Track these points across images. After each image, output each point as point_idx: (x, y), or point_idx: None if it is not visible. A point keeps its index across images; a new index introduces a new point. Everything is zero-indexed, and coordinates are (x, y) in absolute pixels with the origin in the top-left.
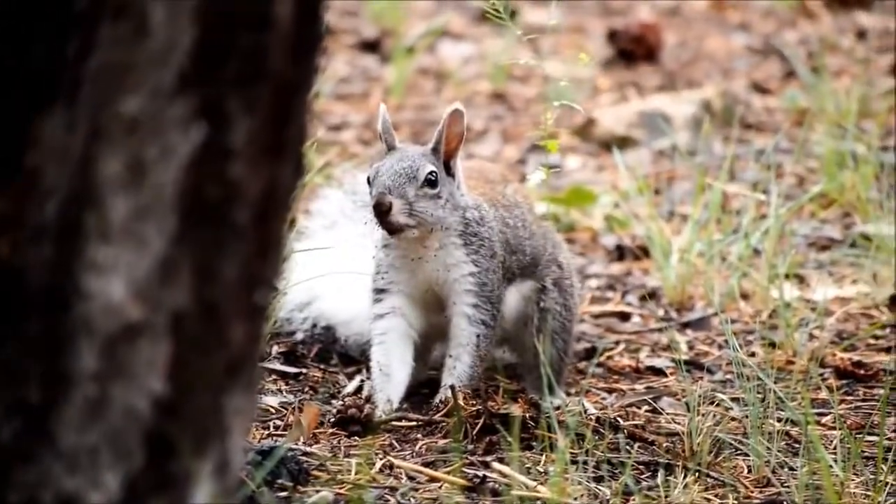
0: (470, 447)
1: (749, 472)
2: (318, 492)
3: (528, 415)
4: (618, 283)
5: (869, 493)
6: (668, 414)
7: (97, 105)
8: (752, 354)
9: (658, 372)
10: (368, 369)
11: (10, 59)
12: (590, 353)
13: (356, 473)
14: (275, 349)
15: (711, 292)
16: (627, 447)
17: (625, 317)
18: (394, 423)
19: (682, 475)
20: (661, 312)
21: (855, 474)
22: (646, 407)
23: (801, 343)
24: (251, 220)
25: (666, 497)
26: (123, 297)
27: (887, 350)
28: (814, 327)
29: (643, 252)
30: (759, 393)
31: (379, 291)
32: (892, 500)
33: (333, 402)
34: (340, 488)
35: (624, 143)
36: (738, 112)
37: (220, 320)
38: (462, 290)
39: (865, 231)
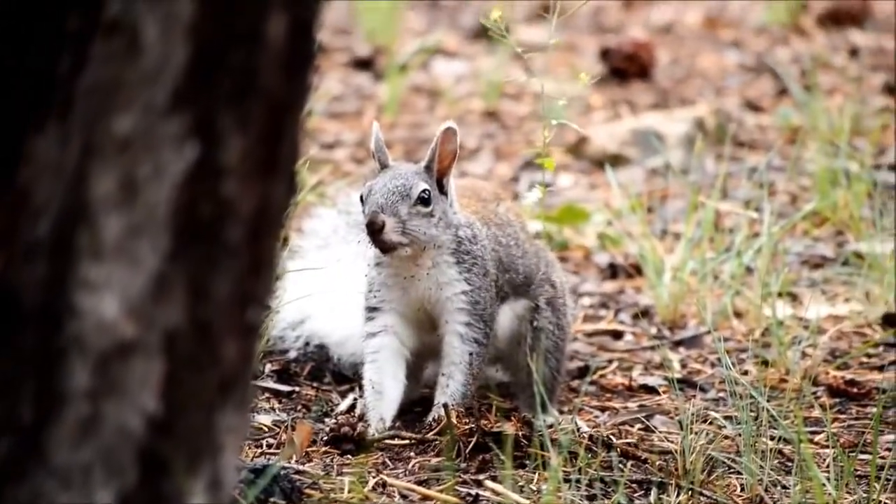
0: (463, 465)
1: (742, 490)
2: None
3: (521, 433)
4: (611, 302)
5: None
6: (660, 432)
7: (90, 122)
8: (745, 373)
9: (651, 390)
10: (361, 387)
11: (2, 76)
12: (583, 372)
13: (349, 492)
14: (268, 367)
15: (704, 310)
16: (620, 465)
17: (618, 335)
18: (387, 441)
19: (675, 493)
20: (653, 331)
21: (848, 493)
22: (639, 425)
23: (794, 361)
24: (244, 238)
25: None
26: (116, 315)
27: (880, 368)
28: (806, 345)
29: (636, 270)
30: (751, 411)
31: (371, 310)
32: None
33: (326, 420)
34: None
35: (617, 161)
36: (730, 130)
37: (212, 338)
38: (455, 308)
39: (858, 249)
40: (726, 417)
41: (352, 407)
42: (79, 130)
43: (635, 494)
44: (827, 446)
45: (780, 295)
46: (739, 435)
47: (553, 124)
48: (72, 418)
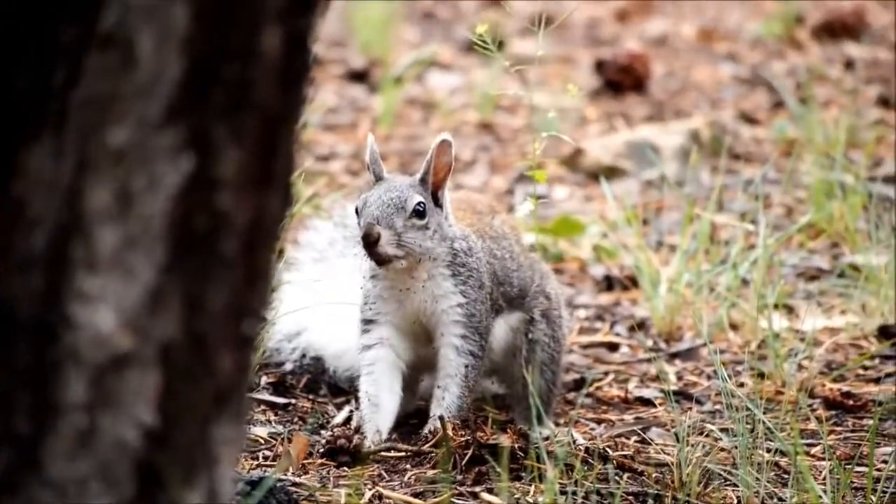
0: (459, 477)
1: (738, 502)
2: None
3: (516, 445)
4: (606, 314)
5: None
6: (657, 444)
7: (84, 135)
8: (741, 385)
9: (647, 402)
10: (357, 400)
11: None
12: (578, 384)
13: None
14: (264, 379)
15: (700, 323)
16: (616, 478)
17: (613, 347)
18: (383, 453)
19: None
20: (649, 343)
21: None
22: (635, 437)
23: (790, 373)
24: (239, 250)
25: None
26: (112, 328)
27: (876, 381)
28: (803, 358)
29: (632, 282)
30: (748, 423)
31: (367, 322)
32: None
33: (323, 432)
34: None
35: (612, 173)
36: (726, 142)
37: (208, 350)
38: (450, 320)
39: (854, 261)
40: (722, 430)
41: (348, 419)
42: (73, 143)
43: None
44: (823, 458)
45: (776, 307)
46: (736, 447)
47: (543, 136)
48: (68, 431)
